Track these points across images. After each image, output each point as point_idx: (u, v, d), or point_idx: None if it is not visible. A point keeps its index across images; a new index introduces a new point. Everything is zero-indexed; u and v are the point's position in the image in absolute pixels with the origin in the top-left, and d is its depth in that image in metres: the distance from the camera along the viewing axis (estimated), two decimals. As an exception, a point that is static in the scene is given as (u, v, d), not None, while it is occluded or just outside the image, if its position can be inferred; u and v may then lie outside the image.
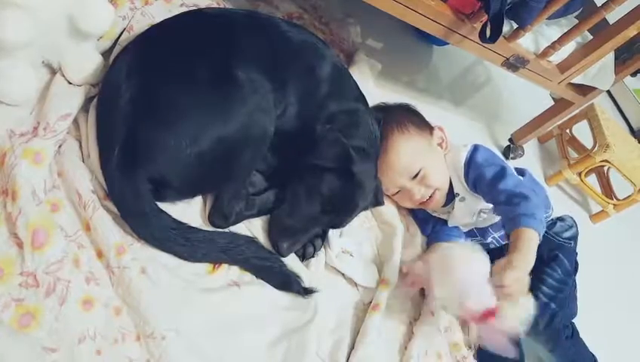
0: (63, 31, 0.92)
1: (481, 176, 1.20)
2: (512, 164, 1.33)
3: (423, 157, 1.26)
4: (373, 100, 1.33)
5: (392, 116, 1.29)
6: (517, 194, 1.12)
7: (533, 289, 1.16)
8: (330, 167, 1.02)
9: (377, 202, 1.19)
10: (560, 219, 1.42)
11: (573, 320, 1.35)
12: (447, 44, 1.85)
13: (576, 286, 1.36)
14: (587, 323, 1.38)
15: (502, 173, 1.18)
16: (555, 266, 1.29)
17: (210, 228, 0.98)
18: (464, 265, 0.96)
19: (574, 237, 1.38)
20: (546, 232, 1.33)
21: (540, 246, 1.21)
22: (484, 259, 0.99)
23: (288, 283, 0.99)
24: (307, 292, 1.00)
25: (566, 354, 1.28)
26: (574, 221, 1.42)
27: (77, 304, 0.77)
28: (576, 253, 1.38)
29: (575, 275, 1.35)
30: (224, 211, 0.97)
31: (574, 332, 1.32)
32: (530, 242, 1.04)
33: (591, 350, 1.34)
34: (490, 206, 1.25)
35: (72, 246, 0.82)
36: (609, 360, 1.42)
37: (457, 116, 2.05)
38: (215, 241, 0.94)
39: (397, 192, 1.30)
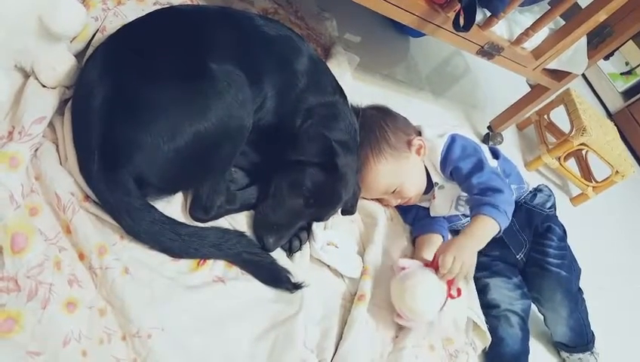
0: (34, 33, 0.91)
1: (458, 169, 1.23)
2: (490, 150, 1.37)
3: (399, 177, 1.27)
4: (351, 93, 1.33)
5: (368, 134, 1.25)
6: (491, 187, 1.15)
7: (539, 262, 1.35)
8: (315, 162, 1.02)
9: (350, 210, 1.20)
10: (538, 190, 1.49)
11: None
12: (424, 35, 1.87)
13: (570, 248, 1.45)
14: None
15: (478, 166, 1.21)
16: (552, 236, 1.39)
17: (197, 224, 0.98)
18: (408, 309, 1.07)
19: (554, 205, 1.47)
20: (531, 206, 1.43)
21: (532, 220, 1.40)
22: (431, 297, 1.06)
23: (278, 279, 0.99)
24: (295, 287, 1.00)
25: (581, 315, 1.37)
26: (550, 189, 1.50)
27: (60, 306, 0.76)
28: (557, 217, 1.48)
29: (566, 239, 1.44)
30: (204, 204, 0.97)
31: (583, 299, 1.41)
32: (484, 229, 1.11)
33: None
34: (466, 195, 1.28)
35: (52, 249, 0.81)
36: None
37: (436, 107, 2.07)
38: (206, 236, 0.94)
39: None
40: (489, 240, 1.12)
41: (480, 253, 1.19)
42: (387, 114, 1.34)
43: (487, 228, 1.11)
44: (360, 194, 1.23)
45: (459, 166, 1.22)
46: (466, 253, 1.07)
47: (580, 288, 1.41)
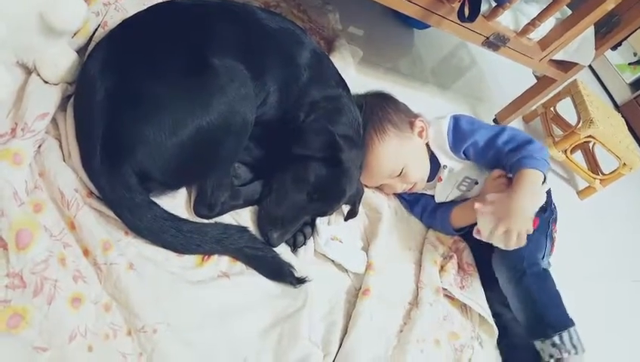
0: (35, 29, 0.90)
1: (476, 143, 1.23)
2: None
3: (404, 158, 1.26)
4: (355, 87, 1.32)
5: (371, 117, 1.26)
6: (520, 141, 1.18)
7: None
8: (318, 156, 1.02)
9: (353, 212, 1.20)
10: None
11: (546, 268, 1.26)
12: (428, 26, 1.85)
13: (549, 228, 1.32)
14: (577, 297, 1.39)
15: (495, 129, 1.22)
16: None
17: (200, 220, 0.97)
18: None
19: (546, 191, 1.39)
20: None
21: None
22: None
23: (281, 273, 0.99)
24: (299, 281, 1.00)
25: (527, 288, 1.18)
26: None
27: (66, 302, 0.76)
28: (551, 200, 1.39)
29: (546, 216, 1.32)
30: (208, 201, 0.96)
31: (543, 273, 1.22)
32: (529, 183, 1.11)
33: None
34: (473, 176, 1.29)
35: (57, 245, 0.81)
36: (594, 330, 1.44)
37: (441, 99, 2.06)
38: (208, 232, 0.94)
39: (379, 185, 1.34)
40: (539, 190, 1.13)
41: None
42: (388, 98, 1.36)
43: (534, 181, 1.12)
44: (363, 192, 1.23)
45: (475, 140, 1.23)
46: (519, 222, 1.08)
47: (542, 269, 1.23)
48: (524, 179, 1.12)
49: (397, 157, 1.26)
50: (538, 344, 1.17)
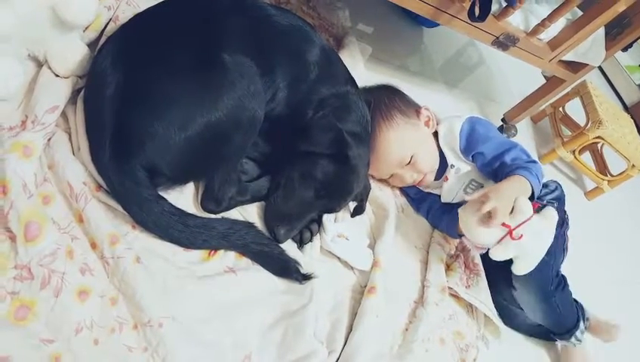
0: (46, 22, 0.91)
1: (485, 153, 1.23)
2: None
3: (413, 145, 1.26)
4: (364, 84, 1.33)
5: (378, 106, 1.27)
6: (527, 158, 1.19)
7: None
8: (326, 153, 1.02)
9: (360, 208, 1.20)
10: (544, 186, 1.44)
11: (563, 274, 1.33)
12: (438, 25, 1.84)
13: (565, 240, 1.34)
14: (584, 297, 1.39)
15: (507, 144, 1.22)
16: None
17: (207, 215, 0.98)
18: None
19: (558, 199, 1.39)
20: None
21: None
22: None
23: (287, 269, 1.00)
24: (305, 278, 1.00)
25: (554, 305, 1.25)
26: (558, 184, 1.43)
27: (72, 295, 0.77)
28: (564, 211, 1.38)
29: (562, 229, 1.33)
30: (216, 196, 0.97)
31: (564, 286, 1.29)
32: (513, 183, 1.10)
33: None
34: (480, 180, 1.28)
35: (65, 238, 0.82)
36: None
37: (450, 98, 2.05)
38: (214, 228, 0.94)
39: (389, 177, 1.33)
40: (519, 194, 1.11)
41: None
42: (394, 89, 1.37)
43: (515, 185, 1.11)
44: (370, 189, 1.22)
45: (486, 150, 1.22)
46: (501, 199, 1.05)
47: (558, 275, 1.30)
48: (512, 178, 1.11)
49: (405, 144, 1.26)
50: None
